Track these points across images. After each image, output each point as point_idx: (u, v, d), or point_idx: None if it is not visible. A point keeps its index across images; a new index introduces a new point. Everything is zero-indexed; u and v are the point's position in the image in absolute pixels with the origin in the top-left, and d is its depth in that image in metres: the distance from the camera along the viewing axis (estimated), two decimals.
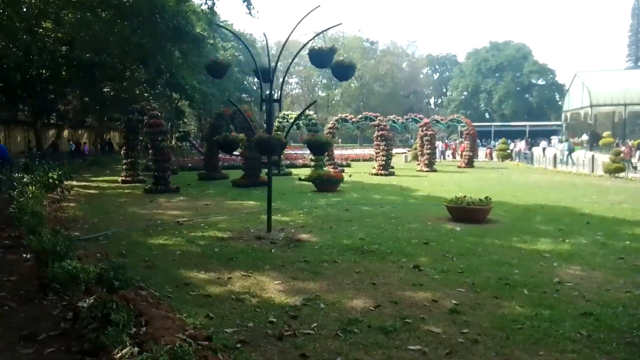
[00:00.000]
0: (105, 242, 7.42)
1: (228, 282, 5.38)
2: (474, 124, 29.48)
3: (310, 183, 16.06)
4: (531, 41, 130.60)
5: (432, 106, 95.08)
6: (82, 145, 32.08)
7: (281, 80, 8.76)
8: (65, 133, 38.27)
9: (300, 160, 28.46)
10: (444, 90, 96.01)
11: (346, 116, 23.85)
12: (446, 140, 44.07)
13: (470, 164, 26.03)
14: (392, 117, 25.75)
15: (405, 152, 44.24)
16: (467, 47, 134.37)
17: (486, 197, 9.65)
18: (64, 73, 26.86)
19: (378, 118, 21.88)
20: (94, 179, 19.64)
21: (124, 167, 18.54)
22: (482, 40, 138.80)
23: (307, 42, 8.26)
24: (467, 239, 7.80)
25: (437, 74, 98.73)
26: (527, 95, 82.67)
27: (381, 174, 21.45)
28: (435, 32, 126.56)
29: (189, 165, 25.70)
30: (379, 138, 21.53)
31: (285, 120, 21.93)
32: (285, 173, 22.05)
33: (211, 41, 24.03)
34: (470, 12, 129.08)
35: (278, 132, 22.12)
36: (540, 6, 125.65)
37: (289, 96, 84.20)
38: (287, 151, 38.77)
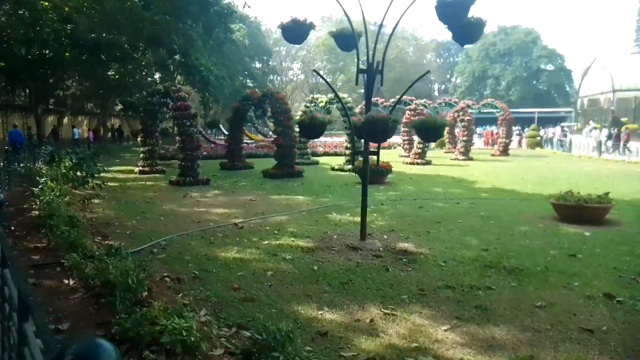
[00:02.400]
0: (164, 256, 5.72)
1: (375, 328, 3.72)
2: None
3: (355, 174, 14.36)
4: (538, 26, 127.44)
5: (436, 92, 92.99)
6: (98, 133, 30.10)
7: (381, 45, 6.92)
8: (65, 120, 36.26)
9: (320, 148, 26.65)
10: (448, 76, 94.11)
11: (377, 100, 22.07)
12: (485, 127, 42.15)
13: (505, 151, 24.36)
14: (422, 101, 23.98)
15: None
16: None
17: (606, 193, 8.00)
18: (67, 54, 24.89)
19: (414, 102, 20.11)
20: (107, 169, 17.82)
21: (140, 156, 16.76)
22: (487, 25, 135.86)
23: None
24: (620, 249, 6.16)
25: (441, 60, 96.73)
26: (535, 81, 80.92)
27: (417, 163, 19.78)
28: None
29: (204, 153, 23.86)
30: None
31: (313, 105, 20.14)
32: (312, 162, 20.31)
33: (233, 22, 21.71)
34: None
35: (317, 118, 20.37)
36: None
37: (292, 82, 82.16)
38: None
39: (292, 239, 6.67)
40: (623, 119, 36.87)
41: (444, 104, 24.00)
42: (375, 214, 8.83)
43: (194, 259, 5.54)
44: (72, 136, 26.61)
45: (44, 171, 7.73)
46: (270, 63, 65.04)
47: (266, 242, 6.50)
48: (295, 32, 6.59)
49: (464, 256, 5.81)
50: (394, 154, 26.04)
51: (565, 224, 7.79)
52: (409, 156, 20.56)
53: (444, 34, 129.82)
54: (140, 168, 16.30)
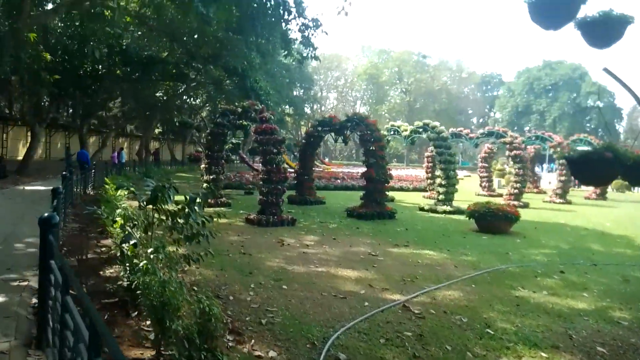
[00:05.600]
0: None
1: None
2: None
3: (469, 219, 11.65)
4: (583, 61, 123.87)
5: (474, 127, 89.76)
6: (158, 155, 28.36)
7: None
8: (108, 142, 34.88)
9: (338, 181, 23.87)
10: (486, 109, 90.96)
11: (460, 130, 19.48)
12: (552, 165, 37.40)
13: (603, 195, 21.32)
14: (533, 132, 21.39)
15: (467, 174, 38.93)
16: (508, 67, 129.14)
17: None
18: (118, 71, 23.36)
19: (509, 134, 17.44)
20: None
21: (204, 185, 14.49)
22: (521, 61, 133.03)
23: None
24: None
25: (479, 93, 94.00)
26: (584, 118, 77.28)
27: (514, 206, 16.92)
28: (476, 50, 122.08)
29: (250, 180, 21.64)
30: (512, 159, 17.07)
31: (392, 134, 17.70)
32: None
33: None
34: (507, 32, 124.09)
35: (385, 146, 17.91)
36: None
37: (329, 111, 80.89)
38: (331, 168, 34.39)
39: (541, 353, 4.01)
40: None
41: (533, 138, 21.20)
42: (580, 292, 6.09)
43: None
44: (119, 158, 24.70)
45: (134, 215, 5.35)
46: (310, 92, 63.59)
47: (518, 352, 3.85)
48: (600, 28, 4.08)
49: None
50: (468, 191, 23.31)
51: None
52: (500, 195, 17.72)
53: (484, 67, 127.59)
54: None
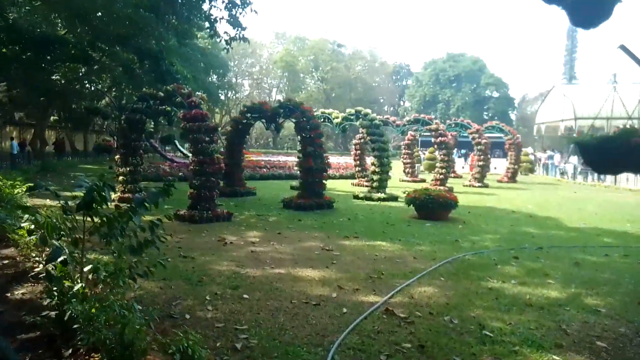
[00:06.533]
0: None
1: None
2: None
3: (408, 206, 11.54)
4: (482, 54, 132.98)
5: (387, 115, 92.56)
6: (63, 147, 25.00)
7: None
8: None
9: (264, 170, 23.01)
10: (396, 99, 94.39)
11: (387, 118, 19.52)
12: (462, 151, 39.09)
13: (513, 178, 22.79)
14: (454, 121, 22.02)
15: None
16: (416, 57, 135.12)
17: None
18: (4, 50, 20.22)
19: (434, 121, 17.80)
20: (68, 194, 13.65)
21: (120, 178, 12.88)
22: (427, 52, 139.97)
23: None
24: None
25: (390, 84, 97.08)
26: (482, 107, 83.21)
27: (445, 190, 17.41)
28: (386, 40, 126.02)
29: (180, 174, 20.11)
30: (437, 146, 17.44)
31: (326, 121, 17.21)
32: (249, 192, 14.92)
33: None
34: (409, 24, 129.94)
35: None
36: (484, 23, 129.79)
37: (244, 99, 78.70)
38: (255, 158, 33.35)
39: (553, 356, 3.69)
40: None
41: (453, 124, 21.99)
42: (544, 279, 6.04)
43: None
44: (10, 150, 21.53)
45: (58, 222, 4.18)
46: (225, 78, 61.05)
47: None
48: (593, 5, 3.71)
49: None
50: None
51: None
52: (423, 181, 18.11)
53: (394, 57, 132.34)
54: (120, 194, 12.46)
